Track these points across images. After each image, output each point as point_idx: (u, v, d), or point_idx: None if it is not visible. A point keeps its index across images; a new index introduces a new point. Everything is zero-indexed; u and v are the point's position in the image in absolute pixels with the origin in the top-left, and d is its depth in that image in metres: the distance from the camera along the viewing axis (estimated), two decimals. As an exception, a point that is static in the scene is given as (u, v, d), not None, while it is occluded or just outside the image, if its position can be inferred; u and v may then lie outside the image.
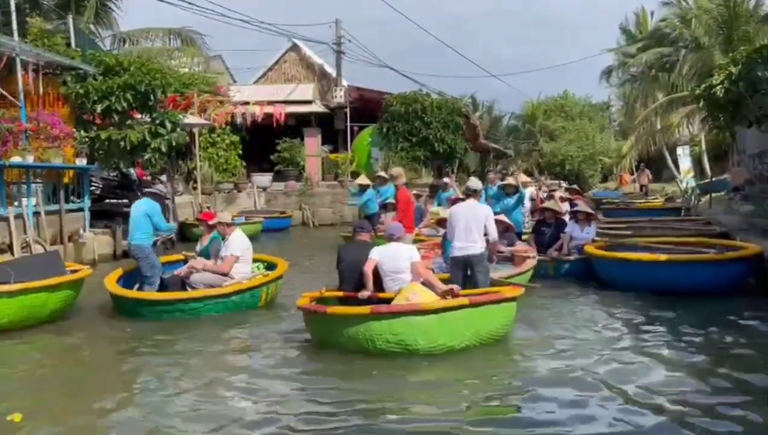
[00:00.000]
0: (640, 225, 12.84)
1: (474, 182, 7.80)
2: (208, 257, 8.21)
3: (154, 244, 8.77)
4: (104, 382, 5.58)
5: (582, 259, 9.43)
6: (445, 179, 17.14)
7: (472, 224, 7.14)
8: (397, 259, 6.53)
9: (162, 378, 5.49)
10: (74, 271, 7.85)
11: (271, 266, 8.74)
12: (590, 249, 9.22)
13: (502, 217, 8.97)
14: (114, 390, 5.29)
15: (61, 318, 7.46)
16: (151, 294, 7.75)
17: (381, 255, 6.59)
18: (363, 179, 15.07)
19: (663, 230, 11.85)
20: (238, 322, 7.34)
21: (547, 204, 10.73)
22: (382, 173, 16.50)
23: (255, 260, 8.63)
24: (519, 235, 10.06)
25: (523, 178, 14.11)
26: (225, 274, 7.80)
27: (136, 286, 8.16)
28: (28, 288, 6.88)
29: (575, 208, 10.62)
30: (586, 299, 8.39)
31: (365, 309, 5.88)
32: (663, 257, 8.40)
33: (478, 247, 7.11)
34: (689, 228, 12.24)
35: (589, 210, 10.61)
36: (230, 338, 6.82)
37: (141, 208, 8.31)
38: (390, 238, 6.79)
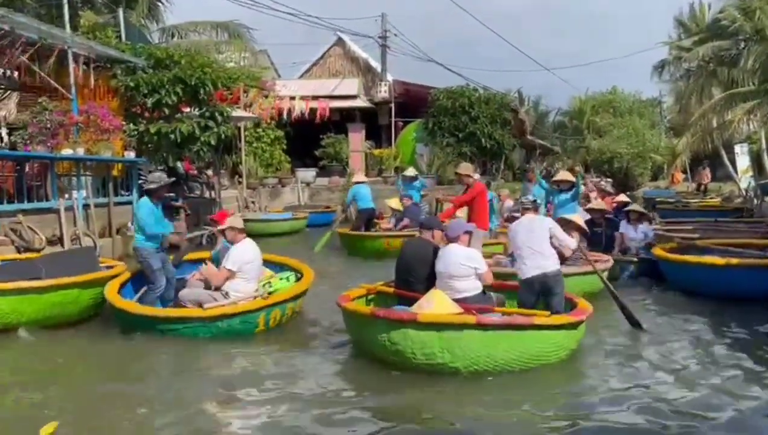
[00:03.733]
0: (707, 227, 12.17)
1: (529, 198, 7.22)
2: (218, 263, 7.43)
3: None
4: (135, 393, 5.16)
5: (647, 260, 9.00)
6: (475, 175, 16.22)
7: (535, 239, 6.24)
8: (449, 264, 5.98)
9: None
10: (109, 267, 7.67)
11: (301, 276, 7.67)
12: (659, 251, 8.71)
13: (575, 217, 8.30)
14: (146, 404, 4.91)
15: (93, 315, 7.18)
16: (126, 304, 6.68)
17: (438, 255, 6.17)
18: (359, 177, 14.80)
19: (731, 233, 11.17)
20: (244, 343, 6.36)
21: (593, 204, 10.30)
22: (412, 169, 16.06)
23: (285, 267, 7.92)
24: None
25: (566, 174, 13.35)
26: (217, 289, 6.76)
27: (143, 289, 7.39)
28: (59, 284, 6.67)
29: (628, 208, 10.19)
30: (658, 306, 7.88)
31: (366, 310, 5.72)
32: (748, 261, 7.89)
33: (551, 263, 6.14)
34: (758, 230, 11.56)
35: (642, 209, 10.10)
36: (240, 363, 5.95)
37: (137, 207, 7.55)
38: (449, 238, 6.25)
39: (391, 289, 6.51)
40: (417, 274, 6.28)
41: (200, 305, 6.55)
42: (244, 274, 6.78)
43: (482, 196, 8.84)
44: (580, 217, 8.42)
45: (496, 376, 5.21)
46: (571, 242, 6.59)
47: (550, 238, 6.31)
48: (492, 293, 6.27)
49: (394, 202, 13.58)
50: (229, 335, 6.39)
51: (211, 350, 6.15)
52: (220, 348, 6.17)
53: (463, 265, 5.93)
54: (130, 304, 6.67)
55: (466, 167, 9.31)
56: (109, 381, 5.42)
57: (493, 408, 4.79)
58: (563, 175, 10.65)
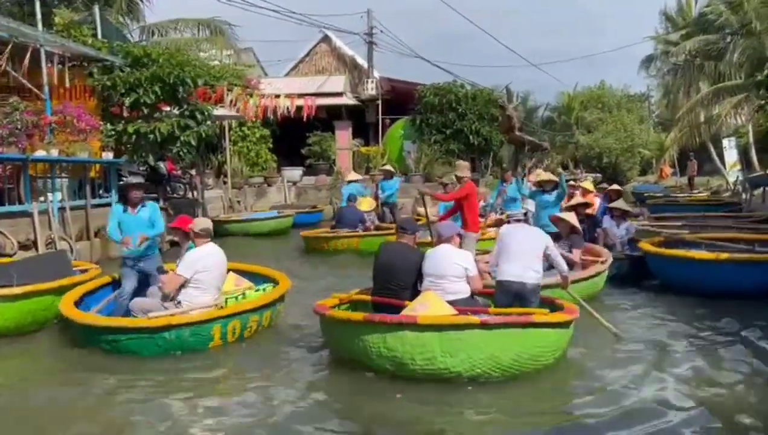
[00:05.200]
0: (696, 222, 12.03)
1: (518, 213, 6.92)
2: None
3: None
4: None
5: (634, 256, 8.87)
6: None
7: (528, 250, 5.96)
8: (441, 263, 5.74)
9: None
10: (83, 271, 7.41)
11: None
12: (646, 246, 8.55)
13: (569, 216, 7.98)
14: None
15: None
16: (70, 310, 6.08)
17: (426, 256, 5.89)
18: (350, 175, 14.58)
19: (719, 228, 11.05)
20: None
21: (574, 201, 10.15)
22: (388, 166, 15.89)
23: (267, 279, 7.26)
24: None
25: (544, 174, 12.95)
26: (167, 297, 6.14)
27: (111, 295, 6.93)
28: (32, 291, 6.38)
29: (611, 205, 10.07)
30: (646, 303, 7.72)
31: (359, 316, 5.26)
32: (738, 256, 7.71)
33: (534, 276, 5.89)
34: (746, 225, 11.45)
35: (626, 207, 9.98)
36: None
37: None
38: (439, 238, 5.99)
39: (366, 297, 6.12)
40: (401, 280, 5.93)
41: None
42: (198, 283, 6.07)
43: (473, 196, 8.40)
44: (573, 216, 8.21)
45: (483, 384, 4.96)
46: (564, 268, 6.31)
47: (545, 255, 6.07)
48: (478, 298, 6.04)
49: (366, 204, 13.44)
50: (181, 351, 5.73)
51: (157, 369, 5.50)
52: (166, 367, 5.55)
53: (457, 264, 5.72)
54: (74, 312, 6.04)
55: (462, 167, 8.78)
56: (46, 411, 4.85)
57: (481, 417, 4.58)
58: (542, 175, 10.34)
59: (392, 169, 15.63)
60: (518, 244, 6.01)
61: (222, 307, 6.11)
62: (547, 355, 5.20)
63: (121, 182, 7.30)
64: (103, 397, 4.97)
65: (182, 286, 6.10)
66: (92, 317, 6.01)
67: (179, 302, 6.08)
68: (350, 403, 4.91)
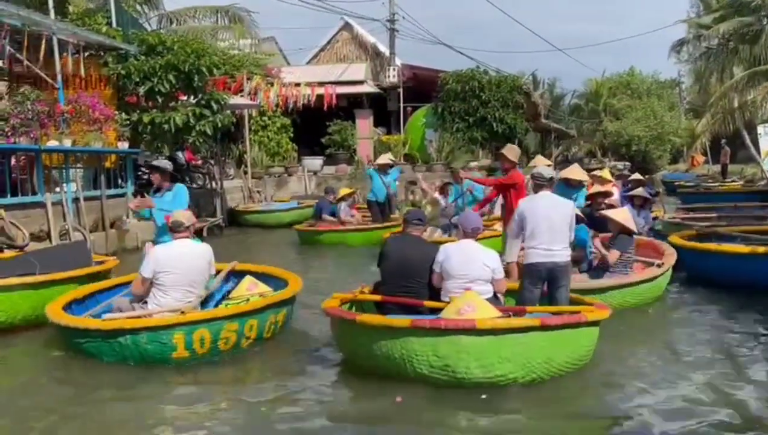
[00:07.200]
0: (729, 213, 11.48)
1: (545, 169, 5.94)
2: None
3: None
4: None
5: None
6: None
7: (559, 224, 5.53)
8: (469, 261, 5.25)
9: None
10: (100, 262, 7.32)
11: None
12: (677, 239, 8.12)
13: (618, 214, 7.19)
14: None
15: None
16: (52, 308, 5.59)
17: (448, 253, 5.35)
18: (379, 159, 14.06)
19: (755, 219, 10.53)
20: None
21: (593, 190, 9.70)
22: (389, 155, 15.25)
23: (282, 282, 6.50)
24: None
25: (543, 161, 12.14)
26: (138, 297, 5.67)
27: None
28: (55, 280, 6.36)
29: (632, 193, 9.61)
30: (678, 299, 7.35)
31: (404, 321, 4.65)
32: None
33: (566, 254, 5.55)
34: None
35: (647, 195, 9.59)
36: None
37: None
38: (467, 232, 5.47)
39: (375, 297, 5.63)
40: (422, 277, 5.49)
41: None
42: (159, 284, 5.48)
43: (522, 188, 7.68)
44: (626, 213, 7.34)
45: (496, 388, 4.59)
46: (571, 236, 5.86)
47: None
48: (499, 295, 5.61)
49: (342, 191, 13.19)
50: (140, 360, 5.07)
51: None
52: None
53: (486, 266, 5.28)
54: (53, 309, 5.56)
55: (511, 149, 8.02)
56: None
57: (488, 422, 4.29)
58: (540, 160, 9.38)
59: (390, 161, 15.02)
60: (546, 218, 5.54)
61: (183, 312, 5.31)
62: (590, 353, 4.93)
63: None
64: (76, 404, 4.67)
65: (151, 284, 5.61)
66: (60, 314, 5.46)
67: (145, 303, 5.64)
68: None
